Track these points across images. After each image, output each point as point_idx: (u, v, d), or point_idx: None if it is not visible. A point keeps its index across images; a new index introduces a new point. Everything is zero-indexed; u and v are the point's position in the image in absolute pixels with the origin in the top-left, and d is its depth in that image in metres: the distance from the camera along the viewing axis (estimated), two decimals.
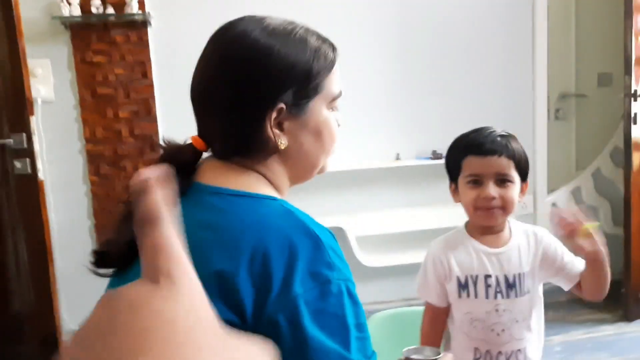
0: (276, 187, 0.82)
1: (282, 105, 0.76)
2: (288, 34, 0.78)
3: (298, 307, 0.66)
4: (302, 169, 0.84)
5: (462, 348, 1.28)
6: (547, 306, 3.22)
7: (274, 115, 0.76)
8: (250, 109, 0.76)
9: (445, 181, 1.35)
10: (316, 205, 2.80)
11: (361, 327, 0.71)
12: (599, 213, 3.27)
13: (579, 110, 3.29)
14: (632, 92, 2.66)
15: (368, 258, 2.84)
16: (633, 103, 2.67)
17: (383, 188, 2.93)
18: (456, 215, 1.40)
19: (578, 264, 1.28)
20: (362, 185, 2.90)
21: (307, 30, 0.81)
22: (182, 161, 0.78)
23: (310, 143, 0.81)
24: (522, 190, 1.26)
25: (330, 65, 0.81)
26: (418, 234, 2.82)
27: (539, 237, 1.31)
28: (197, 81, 0.80)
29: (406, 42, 2.91)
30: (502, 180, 1.22)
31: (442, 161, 2.75)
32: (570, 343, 2.69)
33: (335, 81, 0.82)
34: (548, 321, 3.00)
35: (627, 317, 2.87)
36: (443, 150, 2.87)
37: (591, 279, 1.25)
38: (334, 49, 0.83)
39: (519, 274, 1.26)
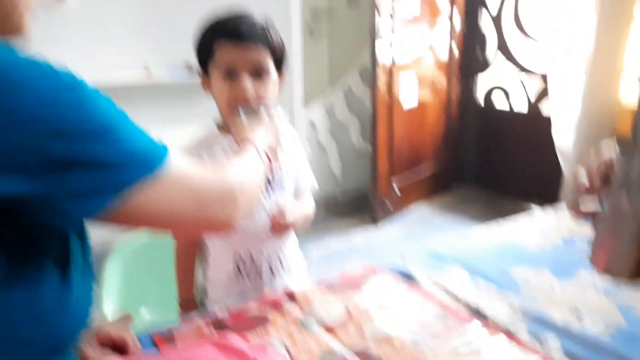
0: None
1: None
2: None
3: None
4: None
5: (221, 258, 1.18)
6: None
7: None
8: None
9: (204, 97, 1.17)
10: None
11: None
12: (350, 130, 3.46)
13: (330, 28, 3.36)
14: (377, 7, 2.77)
15: None
16: (377, 18, 2.80)
17: (131, 107, 2.63)
18: None
19: (305, 182, 1.27)
20: None
21: None
22: None
23: None
24: (279, 82, 1.15)
25: None
26: None
27: (293, 137, 1.25)
28: None
29: None
30: (258, 73, 1.08)
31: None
32: (327, 252, 2.83)
33: None
34: (309, 233, 3.14)
35: (374, 221, 3.14)
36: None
37: None
38: None
39: (277, 169, 1.17)
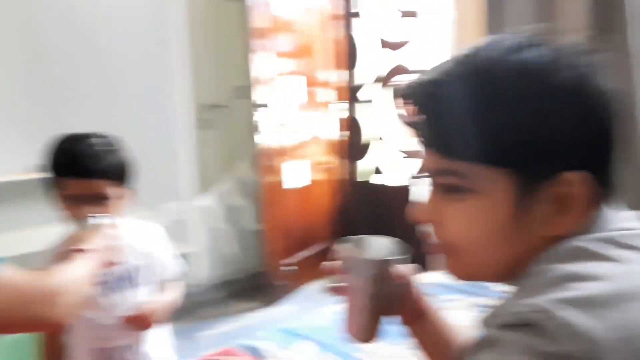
0: None
1: None
2: None
3: None
4: None
5: (80, 351, 1.28)
6: (205, 304, 3.37)
7: None
8: None
9: None
10: None
11: None
12: (244, 213, 3.62)
13: (221, 119, 3.58)
14: (258, 103, 3.03)
15: None
16: (259, 112, 3.05)
17: (14, 204, 2.66)
18: None
19: (170, 273, 1.39)
20: None
21: None
22: None
23: None
24: (130, 196, 1.29)
25: None
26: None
27: (151, 234, 1.39)
28: None
29: (39, 43, 2.71)
30: (98, 200, 1.21)
31: None
32: (223, 334, 2.90)
33: None
34: (205, 318, 3.18)
35: (268, 301, 3.25)
36: None
37: None
38: None
39: (133, 267, 1.30)
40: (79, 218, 1.19)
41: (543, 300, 0.48)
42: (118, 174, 1.25)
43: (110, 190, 1.22)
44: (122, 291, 1.29)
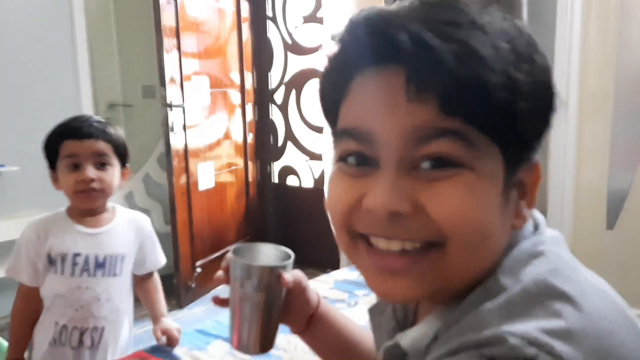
0: None
1: None
2: None
3: None
4: None
5: (45, 322, 1.30)
6: None
7: None
8: None
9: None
10: None
11: None
12: (152, 215, 3.53)
13: (127, 119, 3.48)
14: (168, 103, 2.97)
15: None
16: (170, 113, 2.99)
17: None
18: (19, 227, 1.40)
19: (154, 263, 1.44)
20: None
21: None
22: None
23: None
24: (124, 175, 1.32)
25: None
26: None
27: (141, 224, 1.40)
28: None
29: None
30: (102, 164, 1.25)
31: None
32: (134, 337, 2.80)
33: None
34: None
35: (180, 305, 3.20)
36: None
37: None
38: None
39: (111, 255, 1.31)
40: (79, 182, 1.22)
41: (531, 329, 0.41)
42: (119, 143, 1.28)
43: (112, 157, 1.26)
44: (96, 275, 1.29)
